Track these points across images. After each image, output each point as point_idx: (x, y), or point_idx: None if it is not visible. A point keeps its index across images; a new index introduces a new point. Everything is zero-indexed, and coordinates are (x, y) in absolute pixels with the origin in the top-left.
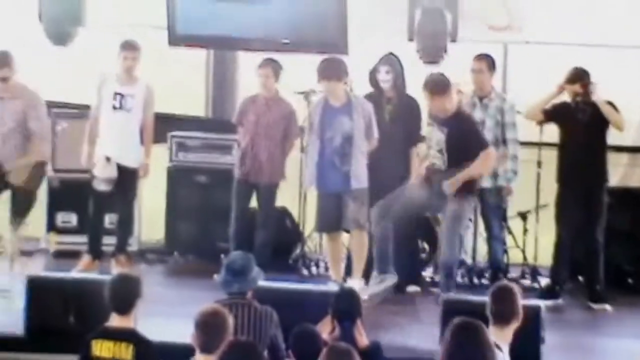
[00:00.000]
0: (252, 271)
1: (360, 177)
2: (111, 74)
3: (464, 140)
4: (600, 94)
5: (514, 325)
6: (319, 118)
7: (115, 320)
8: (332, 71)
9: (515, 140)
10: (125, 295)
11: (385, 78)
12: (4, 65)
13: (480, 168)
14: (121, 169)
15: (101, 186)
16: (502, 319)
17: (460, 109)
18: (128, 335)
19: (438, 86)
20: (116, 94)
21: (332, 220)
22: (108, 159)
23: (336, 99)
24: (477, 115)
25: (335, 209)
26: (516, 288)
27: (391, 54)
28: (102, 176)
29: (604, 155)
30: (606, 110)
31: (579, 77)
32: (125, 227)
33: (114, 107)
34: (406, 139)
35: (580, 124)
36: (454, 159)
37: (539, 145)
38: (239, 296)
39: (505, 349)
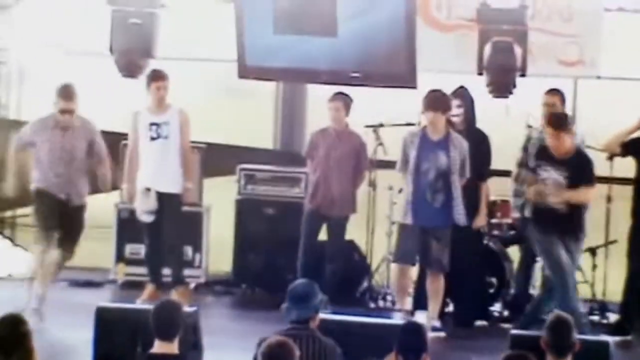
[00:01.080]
0: (315, 298)
1: (450, 216)
2: (142, 108)
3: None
4: None
5: (570, 357)
6: (416, 151)
7: (159, 347)
8: (440, 103)
9: None
10: (168, 321)
11: (456, 112)
12: (70, 98)
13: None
14: (163, 197)
15: (143, 217)
16: (560, 350)
17: (579, 148)
18: None
19: (561, 120)
20: (151, 124)
21: (411, 255)
22: (148, 190)
23: (436, 132)
24: None
25: (416, 242)
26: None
27: (462, 87)
28: (143, 208)
29: None
30: None
31: None
32: (175, 256)
33: (152, 138)
34: (475, 173)
35: None
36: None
37: (609, 180)
38: (300, 325)
39: None
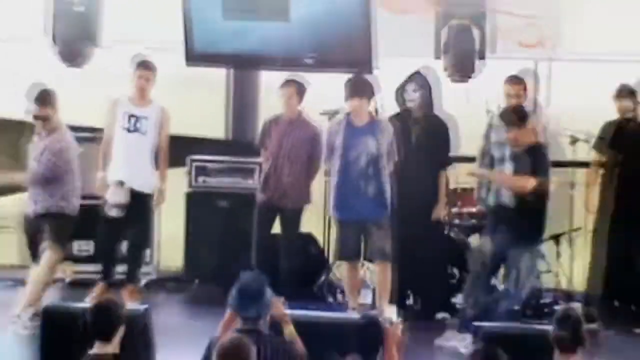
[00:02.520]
0: (267, 294)
1: (386, 203)
2: (124, 95)
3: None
4: None
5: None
6: (342, 138)
7: (98, 348)
8: (362, 89)
9: None
10: (107, 321)
11: (412, 97)
12: (45, 104)
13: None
14: (134, 194)
15: (112, 211)
16: (568, 348)
17: (539, 140)
18: None
19: (515, 117)
20: (130, 116)
21: (353, 249)
22: (121, 183)
23: (360, 118)
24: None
25: (356, 235)
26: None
27: (419, 72)
28: (114, 201)
29: None
30: None
31: (628, 92)
32: (136, 256)
33: (128, 130)
34: (434, 161)
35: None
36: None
37: (572, 165)
38: (255, 323)
39: None
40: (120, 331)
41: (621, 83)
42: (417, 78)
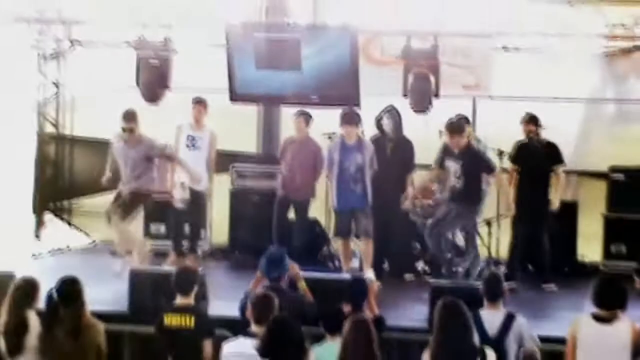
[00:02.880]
0: (286, 260)
1: (368, 197)
2: (185, 122)
3: (476, 167)
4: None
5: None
6: (338, 153)
7: (179, 300)
8: (352, 119)
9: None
10: (187, 281)
11: (387, 124)
12: (131, 120)
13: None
14: (192, 192)
15: (178, 204)
16: (494, 298)
17: (471, 144)
18: (190, 310)
19: (458, 127)
20: (189, 136)
21: (346, 229)
22: (183, 184)
23: (351, 139)
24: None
25: (349, 220)
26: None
27: (392, 106)
28: (179, 197)
29: (549, 180)
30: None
31: (532, 119)
32: (195, 234)
33: (188, 147)
34: (403, 168)
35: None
36: (469, 181)
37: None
38: (277, 282)
39: (498, 317)
40: (196, 289)
41: (526, 112)
42: (391, 110)
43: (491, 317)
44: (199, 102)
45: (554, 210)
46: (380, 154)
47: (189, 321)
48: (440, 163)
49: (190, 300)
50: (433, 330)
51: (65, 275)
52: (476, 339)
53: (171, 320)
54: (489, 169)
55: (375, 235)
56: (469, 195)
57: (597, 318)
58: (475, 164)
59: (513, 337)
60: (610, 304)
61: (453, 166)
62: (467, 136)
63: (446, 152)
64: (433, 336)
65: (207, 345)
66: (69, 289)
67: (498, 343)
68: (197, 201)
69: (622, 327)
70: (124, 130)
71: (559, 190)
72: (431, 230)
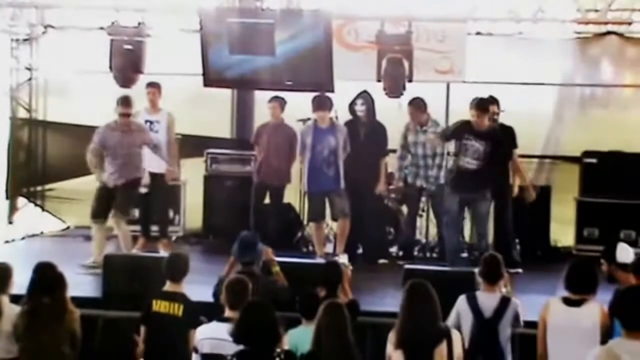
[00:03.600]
0: (259, 246)
1: (340, 179)
2: (142, 108)
3: (502, 150)
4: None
5: (500, 283)
6: (311, 137)
7: (169, 286)
8: (324, 103)
9: (441, 155)
10: (178, 267)
11: (360, 109)
12: (129, 106)
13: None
14: (153, 175)
15: (141, 189)
16: (492, 280)
17: (495, 125)
18: (179, 298)
19: (485, 105)
20: (146, 121)
21: (319, 213)
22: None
23: (324, 123)
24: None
25: (321, 203)
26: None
27: (365, 91)
28: (142, 182)
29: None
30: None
31: (494, 100)
32: (163, 217)
33: None
34: (377, 153)
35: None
36: (489, 164)
37: None
38: (250, 266)
39: (494, 300)
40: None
41: (489, 95)
42: (364, 95)
43: (487, 300)
44: (153, 85)
45: (531, 198)
46: (354, 138)
47: (177, 309)
48: (460, 138)
49: (180, 287)
50: (399, 311)
51: (43, 260)
52: (457, 321)
53: (159, 305)
54: (512, 152)
55: (350, 219)
56: (485, 179)
57: (567, 301)
58: (503, 146)
59: (508, 319)
60: (580, 287)
61: (474, 146)
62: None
63: (468, 130)
64: (399, 316)
65: (193, 335)
66: (45, 275)
67: (493, 325)
68: (158, 184)
69: (591, 310)
70: (122, 115)
71: (518, 175)
72: (450, 229)
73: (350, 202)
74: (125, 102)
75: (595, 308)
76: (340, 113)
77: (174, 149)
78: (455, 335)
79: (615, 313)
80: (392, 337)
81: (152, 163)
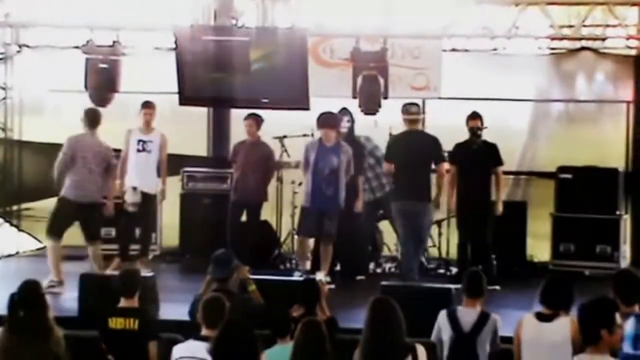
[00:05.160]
0: (232, 262)
1: (339, 201)
2: (135, 127)
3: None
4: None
5: (481, 299)
6: (315, 154)
7: (123, 302)
8: (330, 121)
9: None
10: (130, 283)
11: (345, 125)
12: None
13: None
14: (144, 195)
15: (130, 208)
16: (473, 295)
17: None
18: (134, 312)
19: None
20: (139, 140)
21: (309, 229)
22: (134, 189)
23: (329, 141)
24: None
25: (315, 221)
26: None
27: (345, 108)
28: (130, 201)
29: (489, 181)
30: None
31: (478, 115)
32: (146, 237)
33: (138, 150)
34: (355, 169)
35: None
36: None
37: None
38: (225, 283)
39: (473, 315)
40: (139, 291)
41: (473, 110)
42: (348, 112)
43: (466, 315)
44: (148, 106)
45: (498, 213)
46: None
47: (133, 324)
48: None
49: (134, 302)
50: (363, 328)
51: (27, 279)
52: (439, 335)
53: (115, 322)
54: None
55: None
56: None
57: (539, 316)
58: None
59: (486, 334)
60: (553, 303)
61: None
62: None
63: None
64: (362, 334)
65: (152, 348)
66: (32, 293)
67: (471, 339)
68: (148, 204)
69: (561, 324)
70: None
71: (500, 192)
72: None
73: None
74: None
75: (566, 322)
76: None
77: (165, 169)
78: (420, 350)
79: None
80: (357, 355)
81: (144, 182)
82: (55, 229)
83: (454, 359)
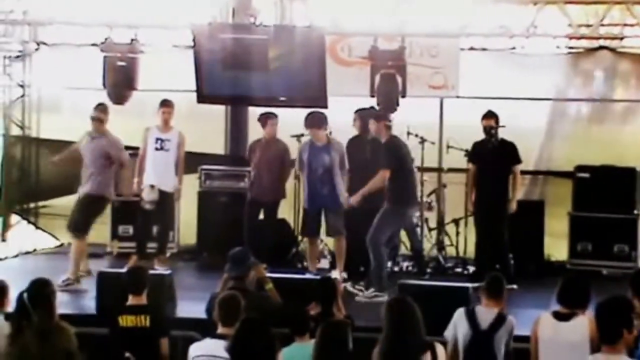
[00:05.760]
0: (248, 260)
1: (338, 198)
2: (153, 124)
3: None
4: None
5: (501, 302)
6: (307, 154)
7: (132, 300)
8: (315, 122)
9: None
10: (138, 281)
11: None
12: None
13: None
14: (161, 193)
15: (147, 206)
16: (493, 296)
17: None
18: (144, 309)
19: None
20: (157, 139)
21: (313, 229)
22: (152, 187)
23: (319, 140)
24: None
25: (316, 221)
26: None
27: (373, 107)
28: (148, 199)
29: (507, 179)
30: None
31: (493, 114)
32: (164, 235)
33: (156, 149)
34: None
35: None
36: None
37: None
38: (241, 282)
39: (491, 314)
40: (147, 288)
41: (488, 109)
42: (361, 112)
43: (484, 314)
44: (166, 104)
45: (512, 211)
46: (359, 154)
47: (144, 320)
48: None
49: (142, 299)
50: (382, 327)
51: (37, 277)
52: (454, 332)
53: (126, 320)
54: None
55: (351, 237)
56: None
57: (557, 315)
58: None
59: (503, 333)
60: (570, 302)
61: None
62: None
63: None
64: (382, 333)
65: (164, 344)
66: (39, 291)
67: (489, 336)
68: (166, 203)
69: (579, 323)
70: (92, 119)
71: (516, 190)
72: None
73: (356, 220)
74: (99, 107)
75: (584, 321)
76: (340, 128)
77: (182, 168)
78: (440, 349)
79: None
80: (375, 353)
81: (162, 180)
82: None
83: (472, 357)
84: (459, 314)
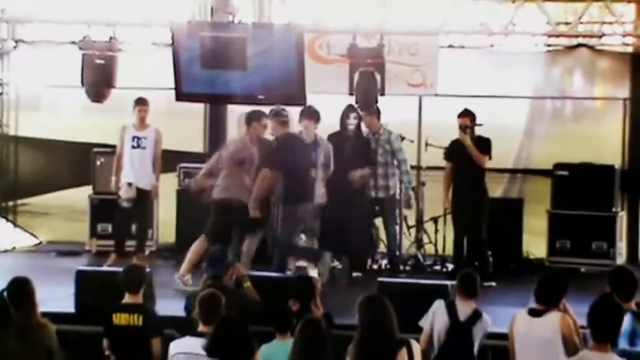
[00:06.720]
0: (226, 259)
1: (318, 197)
2: (129, 123)
3: None
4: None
5: (474, 299)
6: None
7: (128, 298)
8: (313, 114)
9: (404, 160)
10: (135, 279)
11: (352, 122)
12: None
13: None
14: (139, 191)
15: (124, 204)
16: (466, 295)
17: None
18: (138, 308)
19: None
20: (134, 137)
21: None
22: (130, 184)
23: (308, 136)
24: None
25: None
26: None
27: (351, 105)
28: (125, 197)
29: (483, 176)
30: (472, 152)
31: (468, 112)
32: (143, 233)
33: (133, 147)
34: (363, 165)
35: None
36: None
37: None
38: (219, 280)
39: (469, 309)
40: (144, 287)
41: (464, 107)
42: (355, 109)
43: (463, 307)
44: (142, 102)
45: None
46: (339, 151)
47: (137, 320)
48: None
49: (138, 298)
50: (357, 325)
51: (17, 275)
52: (431, 321)
53: (120, 318)
54: None
55: (331, 234)
56: None
57: (531, 312)
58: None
59: (479, 328)
60: (544, 298)
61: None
62: None
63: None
64: (357, 330)
65: (155, 344)
66: (19, 289)
67: (467, 328)
68: (144, 200)
69: (551, 319)
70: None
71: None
72: None
73: (335, 216)
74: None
75: (556, 317)
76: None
77: (159, 165)
78: (416, 346)
79: (588, 324)
80: (350, 350)
81: (139, 178)
82: None
83: (450, 346)
84: (439, 305)
